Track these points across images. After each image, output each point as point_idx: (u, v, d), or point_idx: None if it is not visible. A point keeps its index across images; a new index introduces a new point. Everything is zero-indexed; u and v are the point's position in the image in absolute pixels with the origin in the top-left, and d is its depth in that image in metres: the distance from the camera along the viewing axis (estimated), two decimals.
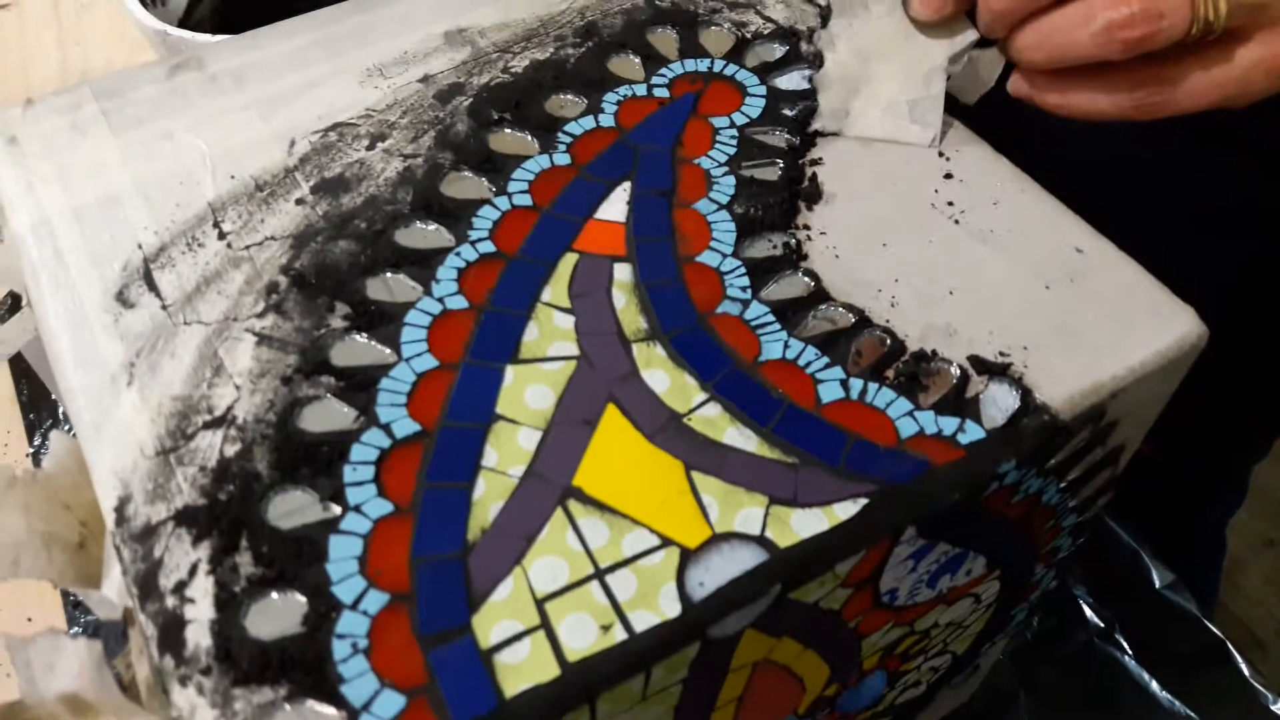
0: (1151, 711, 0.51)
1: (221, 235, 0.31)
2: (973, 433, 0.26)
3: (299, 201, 0.32)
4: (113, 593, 0.25)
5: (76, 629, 0.50)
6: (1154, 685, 0.52)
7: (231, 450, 0.26)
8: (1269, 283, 0.49)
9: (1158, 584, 0.56)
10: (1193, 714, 0.51)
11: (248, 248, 0.30)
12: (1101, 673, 0.53)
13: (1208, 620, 0.54)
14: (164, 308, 0.29)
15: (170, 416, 0.27)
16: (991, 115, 0.35)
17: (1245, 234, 0.47)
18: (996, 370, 0.27)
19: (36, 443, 0.58)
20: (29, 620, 0.50)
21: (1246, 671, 0.52)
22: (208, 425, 0.26)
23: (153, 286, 0.29)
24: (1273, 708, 0.51)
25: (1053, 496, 0.30)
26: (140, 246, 0.30)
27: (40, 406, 0.60)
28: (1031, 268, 0.30)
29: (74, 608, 0.51)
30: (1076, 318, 0.29)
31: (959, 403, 0.27)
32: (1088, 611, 0.55)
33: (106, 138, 0.34)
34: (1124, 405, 0.28)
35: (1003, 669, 0.52)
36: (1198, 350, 0.29)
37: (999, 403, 0.27)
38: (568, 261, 0.30)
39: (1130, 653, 0.53)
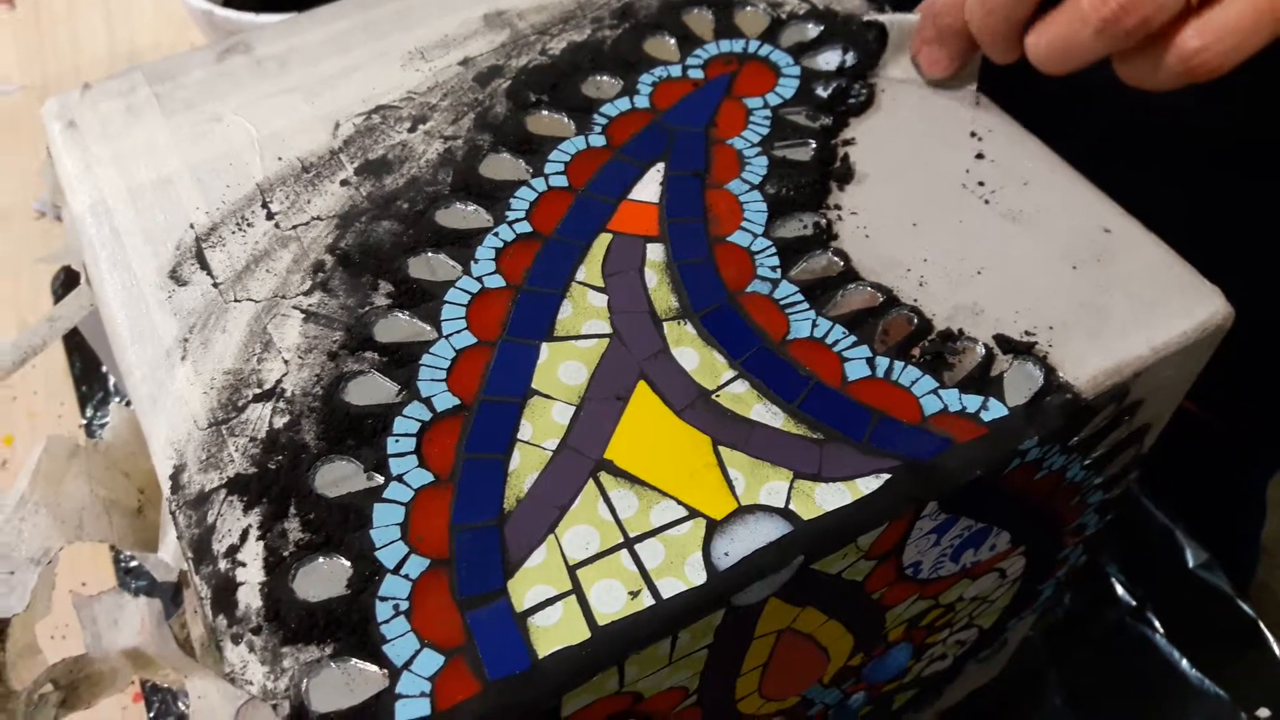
0: (1182, 690, 0.52)
1: (270, 215, 0.32)
2: (995, 410, 0.26)
3: (344, 183, 0.33)
4: (169, 556, 0.26)
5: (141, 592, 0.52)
6: (1184, 664, 0.52)
7: (280, 422, 0.27)
8: None
9: (1191, 563, 0.56)
10: (1222, 693, 0.51)
11: (295, 227, 0.32)
12: (1133, 651, 0.53)
13: (1243, 596, 0.54)
14: (215, 285, 0.30)
15: (222, 390, 0.28)
16: (1023, 82, 0.35)
17: (1257, 175, 0.47)
18: (1021, 349, 0.28)
19: (89, 414, 0.61)
20: (83, 585, 0.52)
21: (1278, 651, 0.52)
22: (258, 398, 0.28)
23: (204, 265, 0.31)
24: None
25: (1077, 474, 0.30)
26: (192, 226, 0.32)
27: (92, 380, 0.62)
28: (1059, 248, 0.30)
29: (125, 574, 0.53)
30: (1103, 298, 0.29)
31: (983, 381, 0.27)
32: (1120, 590, 0.55)
33: (159, 120, 0.35)
34: (1148, 385, 0.29)
35: (1034, 647, 0.52)
36: (1224, 331, 0.29)
37: (1023, 381, 0.27)
38: (601, 241, 0.30)
39: (1161, 631, 0.53)
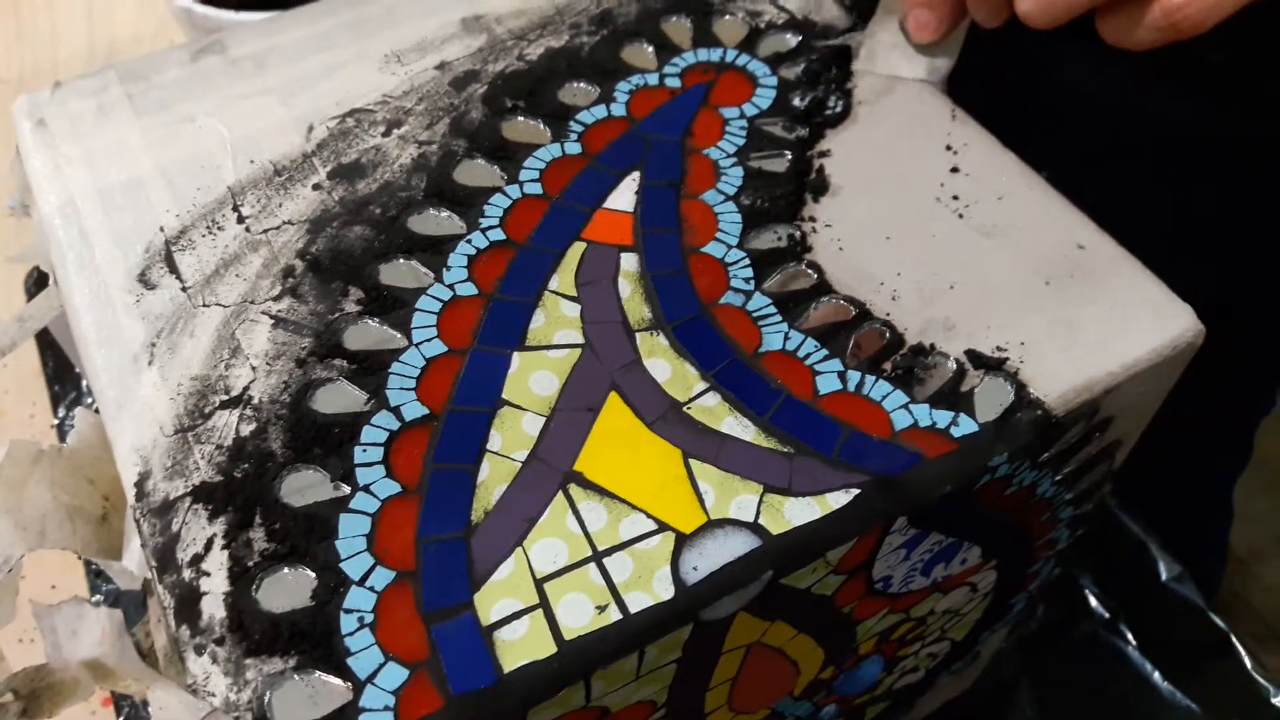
0: (1153, 702, 0.52)
1: (241, 219, 0.32)
2: (966, 426, 0.26)
3: (316, 187, 0.33)
4: (133, 564, 0.26)
5: (98, 597, 0.52)
6: (1156, 675, 0.52)
7: (247, 429, 0.27)
8: (1260, 232, 0.49)
9: (1164, 576, 0.56)
10: (1193, 705, 0.51)
11: (265, 231, 0.31)
12: (1105, 663, 0.53)
13: (1213, 606, 0.55)
14: (184, 289, 0.30)
15: (189, 396, 0.27)
16: (1002, 79, 0.35)
17: (1235, 176, 0.47)
18: (992, 365, 0.28)
19: (61, 414, 0.60)
20: (53, 588, 0.52)
21: (1249, 664, 0.53)
22: (224, 405, 0.27)
23: (173, 268, 0.30)
24: (1273, 700, 0.51)
25: (1048, 490, 0.30)
26: (162, 229, 0.31)
27: (65, 379, 0.61)
28: (1033, 263, 0.30)
29: (95, 577, 0.52)
30: (1075, 314, 0.29)
31: (954, 396, 0.27)
32: (1093, 602, 0.55)
33: (130, 121, 0.35)
34: (1119, 402, 0.29)
35: (1006, 657, 0.53)
36: (1194, 349, 0.29)
37: (993, 397, 0.27)
38: (575, 250, 0.30)
39: (1134, 643, 0.54)
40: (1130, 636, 0.54)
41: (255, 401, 0.27)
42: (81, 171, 0.33)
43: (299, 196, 0.32)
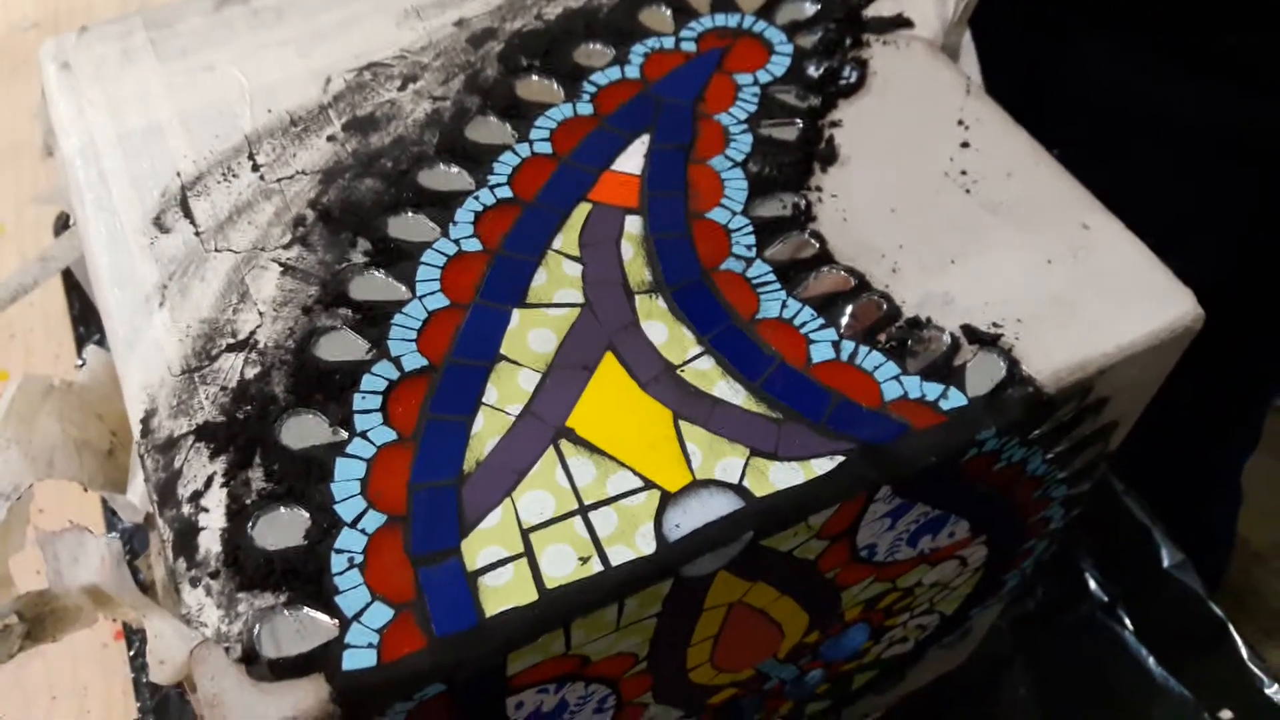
0: (1147, 688, 0.52)
1: (255, 167, 0.32)
2: (955, 399, 0.27)
3: (330, 138, 0.33)
4: (136, 498, 0.27)
5: (114, 534, 0.53)
6: (1151, 661, 0.53)
7: (251, 373, 0.27)
8: (1271, 215, 0.49)
9: (1166, 563, 0.56)
10: (1187, 693, 0.51)
11: (279, 180, 0.32)
12: (1101, 646, 0.54)
13: (1215, 594, 0.55)
14: (197, 234, 0.31)
15: (197, 338, 0.28)
16: (1018, 63, 0.35)
17: (1248, 160, 0.47)
18: (987, 340, 0.28)
19: (85, 355, 0.61)
20: (70, 522, 0.53)
21: (1246, 654, 0.53)
22: (231, 348, 0.28)
23: (188, 213, 0.31)
24: (1267, 691, 0.51)
25: (1038, 467, 0.31)
26: (179, 174, 0.32)
27: (90, 321, 0.62)
28: (1036, 241, 0.30)
29: (112, 514, 0.54)
30: (1074, 293, 0.29)
31: (946, 370, 0.27)
32: (1093, 585, 0.55)
33: (153, 67, 0.35)
34: (1114, 383, 0.29)
35: (1002, 635, 0.53)
36: (1192, 333, 0.29)
37: (985, 372, 0.27)
38: (581, 211, 0.31)
39: (1131, 629, 0.54)
40: (1128, 621, 0.54)
41: (260, 346, 0.28)
42: (103, 115, 0.34)
43: (313, 147, 0.33)
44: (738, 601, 0.27)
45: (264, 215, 0.31)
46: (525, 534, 0.24)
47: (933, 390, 0.27)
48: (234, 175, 0.32)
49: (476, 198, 0.31)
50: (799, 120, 0.33)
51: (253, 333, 0.28)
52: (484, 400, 0.26)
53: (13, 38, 0.78)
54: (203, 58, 0.35)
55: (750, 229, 0.30)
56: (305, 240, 0.30)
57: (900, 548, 0.30)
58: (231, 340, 0.28)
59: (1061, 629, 0.54)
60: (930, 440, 0.26)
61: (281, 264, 0.30)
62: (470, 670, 0.22)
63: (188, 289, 0.29)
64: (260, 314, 0.29)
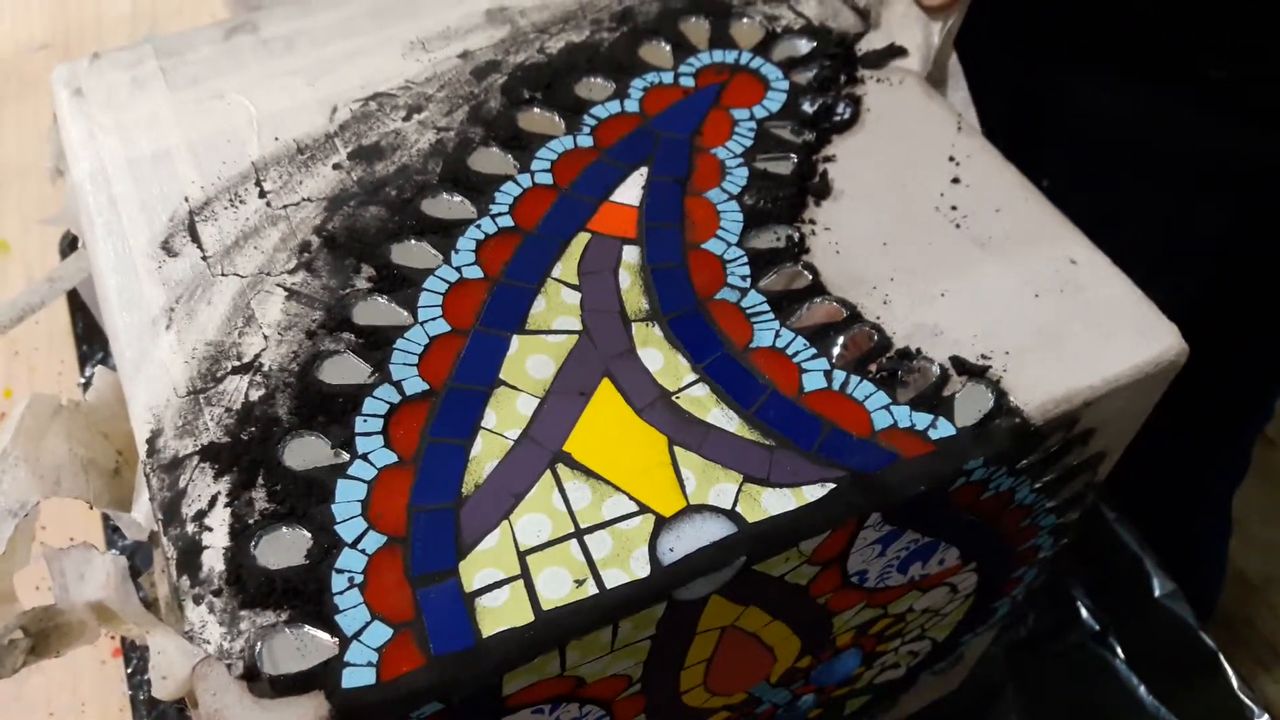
0: (1137, 715, 0.52)
1: (262, 194, 0.33)
2: (944, 429, 0.27)
3: (336, 166, 0.34)
4: (141, 516, 0.27)
5: (115, 551, 0.54)
6: (1142, 690, 0.53)
7: (256, 395, 0.28)
8: (1257, 244, 0.50)
9: (1157, 592, 0.56)
10: None
11: (285, 207, 0.33)
12: (1092, 674, 0.54)
13: (1206, 624, 0.55)
14: (204, 258, 0.31)
15: (203, 360, 0.29)
16: (1010, 92, 0.36)
17: (1235, 189, 0.48)
18: (975, 372, 0.29)
19: (88, 373, 0.62)
20: (71, 540, 0.54)
21: (1236, 684, 0.53)
22: (236, 370, 0.29)
23: (195, 238, 0.32)
24: None
25: (1026, 496, 0.31)
26: (186, 199, 0.33)
27: (93, 339, 0.63)
28: (1024, 275, 0.31)
29: (113, 532, 0.54)
30: (1061, 326, 0.30)
31: (935, 400, 0.28)
32: (1085, 614, 0.56)
33: (163, 94, 0.36)
34: (1100, 415, 0.30)
35: (994, 663, 0.53)
36: (1176, 368, 0.30)
37: (973, 403, 0.28)
38: (580, 240, 0.31)
39: (1122, 657, 0.54)
40: (1119, 650, 0.54)
41: (265, 369, 0.29)
42: (114, 140, 0.35)
43: (319, 175, 0.34)
44: (730, 625, 0.28)
45: (270, 241, 0.32)
46: (522, 556, 0.25)
47: (922, 420, 0.27)
48: (241, 201, 0.33)
49: (479, 226, 0.32)
50: (794, 155, 0.34)
51: (257, 356, 0.29)
52: (483, 424, 0.27)
53: (21, 58, 0.79)
54: (212, 85, 0.36)
55: (745, 260, 0.31)
56: (310, 266, 0.31)
57: (891, 574, 0.31)
58: (237, 363, 0.29)
59: (1053, 656, 0.54)
60: (919, 469, 0.27)
61: (286, 289, 0.30)
62: (467, 689, 0.23)
63: (194, 312, 0.30)
64: (265, 337, 0.29)
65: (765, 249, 0.32)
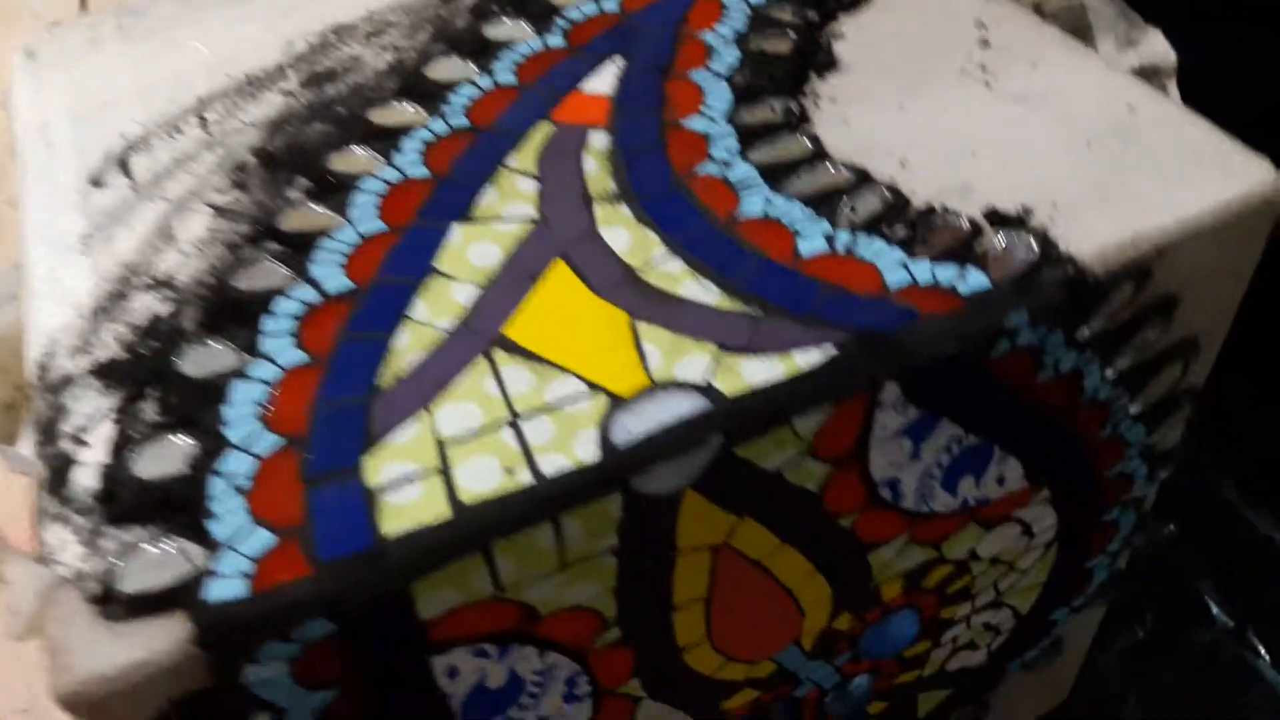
0: None
1: (203, 124, 0.30)
2: (974, 282, 0.22)
3: (285, 93, 0.31)
4: (28, 450, 0.23)
5: None
6: None
7: (164, 310, 0.24)
8: None
9: None
10: None
11: (225, 133, 0.29)
12: (1229, 677, 0.46)
13: None
14: (133, 188, 0.28)
15: (113, 281, 0.25)
16: None
17: None
18: (1014, 222, 0.23)
19: None
20: None
21: None
22: (147, 288, 0.25)
23: (126, 170, 0.29)
24: None
25: (1098, 387, 0.25)
26: (123, 135, 0.30)
27: None
28: (1072, 126, 0.26)
29: None
30: (1121, 175, 0.24)
31: (963, 254, 0.23)
32: (1214, 608, 0.48)
33: (118, 49, 0.34)
34: (1179, 272, 0.24)
35: (1111, 670, 0.46)
36: (1273, 207, 0.24)
37: (1013, 254, 0.23)
38: (542, 130, 0.27)
39: (1265, 656, 0.46)
40: (1261, 649, 0.46)
41: (177, 283, 0.25)
42: (61, 95, 0.32)
43: (266, 102, 0.30)
44: (724, 545, 0.22)
45: (204, 164, 0.28)
46: (441, 447, 0.20)
47: (947, 274, 0.22)
48: (179, 132, 0.30)
49: (428, 129, 0.28)
50: (793, 32, 0.30)
51: (171, 271, 0.25)
52: (409, 314, 0.23)
53: None
54: (168, 35, 0.34)
55: (733, 135, 0.26)
56: (243, 185, 0.28)
57: (934, 490, 0.25)
58: (149, 280, 0.25)
59: (1181, 660, 0.46)
60: (943, 327, 0.21)
61: (215, 207, 0.27)
62: (362, 601, 0.18)
63: (113, 238, 0.27)
64: (183, 254, 0.26)
65: (758, 123, 0.27)
